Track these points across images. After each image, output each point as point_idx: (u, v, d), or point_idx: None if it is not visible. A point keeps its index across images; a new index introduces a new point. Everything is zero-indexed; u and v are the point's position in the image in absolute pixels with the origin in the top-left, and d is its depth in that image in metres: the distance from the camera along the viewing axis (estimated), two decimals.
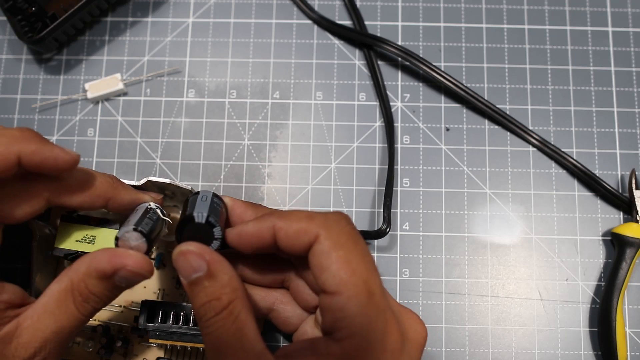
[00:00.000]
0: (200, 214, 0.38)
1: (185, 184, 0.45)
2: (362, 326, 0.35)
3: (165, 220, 0.43)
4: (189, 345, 0.43)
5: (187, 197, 0.41)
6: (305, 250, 0.37)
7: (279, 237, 0.37)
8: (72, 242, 0.43)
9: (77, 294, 0.37)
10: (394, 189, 0.53)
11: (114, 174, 0.48)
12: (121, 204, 0.42)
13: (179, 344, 0.43)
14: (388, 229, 0.50)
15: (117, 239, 0.40)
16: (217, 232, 0.39)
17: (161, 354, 0.47)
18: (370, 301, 0.35)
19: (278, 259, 0.42)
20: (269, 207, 0.43)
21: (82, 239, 0.43)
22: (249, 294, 0.42)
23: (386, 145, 0.54)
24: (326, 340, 0.36)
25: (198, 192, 0.40)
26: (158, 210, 0.43)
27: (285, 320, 0.43)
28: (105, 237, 0.43)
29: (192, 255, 0.36)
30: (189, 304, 0.44)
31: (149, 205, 0.43)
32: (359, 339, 0.35)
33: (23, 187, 0.39)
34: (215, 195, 0.40)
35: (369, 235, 0.50)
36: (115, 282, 0.37)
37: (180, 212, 0.42)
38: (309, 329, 0.42)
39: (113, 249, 0.38)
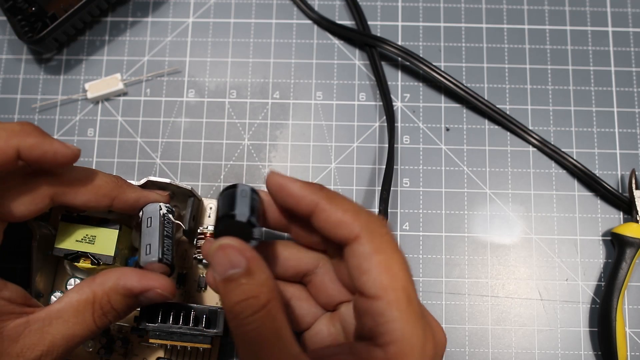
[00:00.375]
0: (242, 213, 0.37)
1: (185, 184, 0.45)
2: (404, 332, 0.34)
3: (178, 223, 0.44)
4: (189, 345, 0.43)
5: (222, 190, 0.39)
6: (339, 241, 0.37)
7: (319, 217, 0.37)
8: (72, 242, 0.44)
9: (98, 307, 0.38)
10: (393, 188, 0.53)
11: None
12: (127, 203, 0.43)
13: (179, 344, 0.43)
14: None
15: (139, 266, 0.42)
16: (256, 232, 0.37)
17: (161, 354, 0.48)
18: (409, 307, 0.35)
19: (302, 250, 0.42)
20: None
21: (82, 239, 0.44)
22: None
23: (386, 145, 0.54)
24: (367, 345, 0.36)
25: (235, 185, 0.39)
26: (170, 215, 0.44)
27: (299, 317, 0.42)
28: (105, 237, 0.44)
29: (232, 250, 0.35)
30: (190, 304, 0.44)
31: (161, 209, 0.43)
32: (402, 344, 0.34)
33: (27, 185, 0.39)
34: (253, 190, 0.39)
35: None
36: (140, 299, 0.39)
37: (184, 208, 0.42)
38: (324, 327, 0.41)
39: (142, 270, 0.40)
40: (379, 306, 0.35)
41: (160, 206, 0.43)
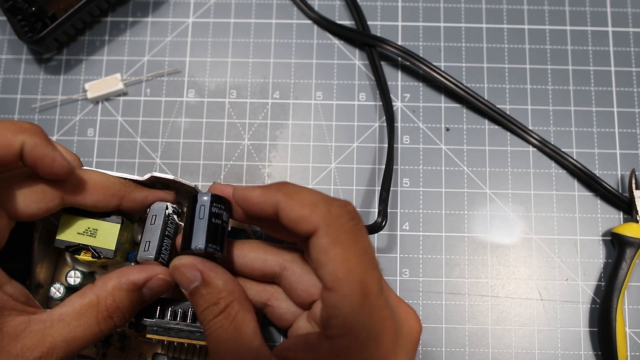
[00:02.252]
0: (198, 245, 0.40)
1: (189, 181, 0.46)
2: (353, 326, 0.36)
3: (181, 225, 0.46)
4: (186, 342, 0.44)
5: (188, 201, 0.42)
6: (303, 236, 0.38)
7: (281, 216, 0.38)
8: (73, 235, 0.45)
9: (103, 309, 0.39)
10: (393, 188, 0.55)
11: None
12: (135, 201, 0.44)
13: (176, 340, 0.44)
14: (384, 223, 0.50)
15: (137, 262, 0.44)
16: (218, 256, 0.41)
17: (158, 349, 0.49)
18: (364, 301, 0.36)
19: (269, 252, 0.43)
20: None
21: (83, 232, 0.45)
22: (246, 288, 0.44)
23: (386, 145, 0.55)
24: (318, 335, 0.38)
25: (196, 199, 0.41)
26: (175, 216, 0.45)
27: (280, 316, 0.44)
28: (107, 230, 0.45)
29: (185, 268, 0.39)
30: (188, 301, 0.45)
31: (167, 210, 0.45)
32: (349, 338, 0.36)
33: (38, 185, 0.41)
34: (213, 201, 0.41)
35: None
36: (143, 293, 0.41)
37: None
38: (303, 324, 0.43)
39: (139, 265, 0.42)
40: (333, 299, 0.36)
41: (167, 206, 0.45)
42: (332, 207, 0.37)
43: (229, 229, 0.43)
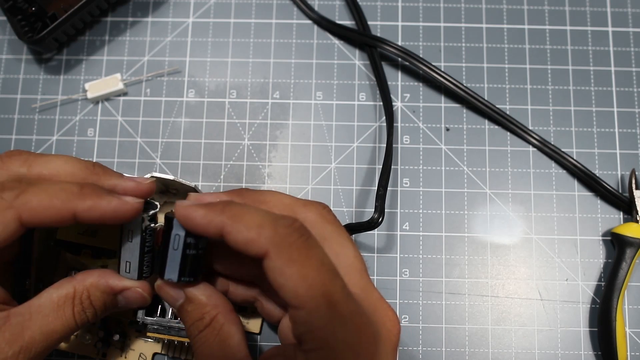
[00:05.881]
0: (169, 278, 0.39)
1: (189, 181, 0.46)
2: (327, 338, 0.36)
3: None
4: (186, 341, 0.45)
5: (165, 221, 0.40)
6: (256, 257, 0.37)
7: (227, 239, 0.37)
8: (74, 234, 0.45)
9: (78, 302, 0.39)
10: (394, 188, 0.55)
11: None
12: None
13: (176, 339, 0.45)
14: (381, 219, 0.50)
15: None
16: (194, 281, 0.40)
17: (158, 348, 0.49)
18: (333, 312, 0.36)
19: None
20: None
21: (83, 232, 0.45)
22: (233, 284, 0.44)
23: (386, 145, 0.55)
24: (295, 349, 0.38)
25: (172, 224, 0.39)
26: (152, 224, 0.41)
27: (268, 312, 0.44)
28: (107, 230, 0.45)
29: (169, 287, 0.40)
30: None
31: (143, 223, 0.41)
32: (325, 350, 0.36)
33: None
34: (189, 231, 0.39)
35: (361, 227, 0.50)
36: (118, 300, 0.41)
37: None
38: (286, 323, 0.42)
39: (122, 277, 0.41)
40: (301, 316, 0.36)
41: (142, 218, 0.40)
42: (279, 227, 0.36)
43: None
